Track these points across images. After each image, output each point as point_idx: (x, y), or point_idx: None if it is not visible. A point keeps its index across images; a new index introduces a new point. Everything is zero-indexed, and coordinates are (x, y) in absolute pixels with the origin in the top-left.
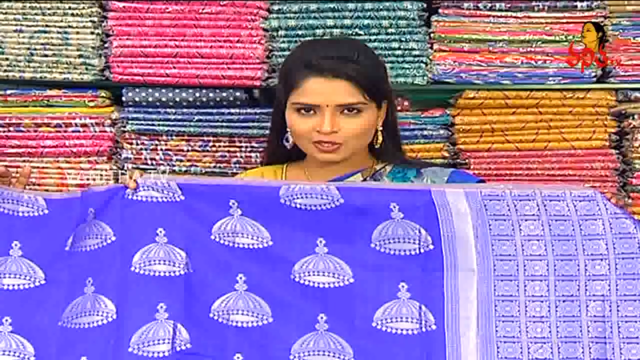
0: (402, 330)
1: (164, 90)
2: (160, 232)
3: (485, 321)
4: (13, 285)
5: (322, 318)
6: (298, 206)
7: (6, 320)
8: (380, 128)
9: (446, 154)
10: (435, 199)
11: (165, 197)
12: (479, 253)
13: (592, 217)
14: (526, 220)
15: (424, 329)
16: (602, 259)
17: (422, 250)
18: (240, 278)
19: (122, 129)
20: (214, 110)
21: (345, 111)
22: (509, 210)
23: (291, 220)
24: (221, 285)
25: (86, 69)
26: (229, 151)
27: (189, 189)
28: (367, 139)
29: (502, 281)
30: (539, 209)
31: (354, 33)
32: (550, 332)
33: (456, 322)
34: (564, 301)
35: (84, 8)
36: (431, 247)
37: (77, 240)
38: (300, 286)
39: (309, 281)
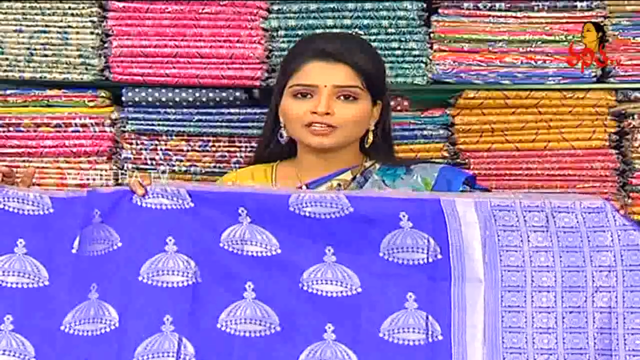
0: (408, 341)
1: (163, 90)
2: (170, 240)
3: (491, 332)
4: (16, 283)
5: (329, 328)
6: (307, 214)
7: (7, 319)
8: (372, 128)
9: (446, 154)
10: (444, 209)
11: (175, 205)
12: (486, 263)
13: (601, 228)
14: (535, 231)
15: (430, 340)
16: (609, 271)
17: (430, 260)
18: (249, 286)
19: (122, 129)
20: (214, 110)
21: (342, 97)
22: (517, 221)
23: (300, 229)
24: (230, 294)
25: (86, 69)
26: (228, 151)
27: (199, 196)
28: (359, 130)
29: (510, 292)
30: (547, 221)
31: (353, 33)
32: (556, 343)
33: (463, 333)
34: (570, 312)
35: (83, 8)
36: (439, 256)
37: (85, 244)
38: (308, 295)
39: (317, 290)
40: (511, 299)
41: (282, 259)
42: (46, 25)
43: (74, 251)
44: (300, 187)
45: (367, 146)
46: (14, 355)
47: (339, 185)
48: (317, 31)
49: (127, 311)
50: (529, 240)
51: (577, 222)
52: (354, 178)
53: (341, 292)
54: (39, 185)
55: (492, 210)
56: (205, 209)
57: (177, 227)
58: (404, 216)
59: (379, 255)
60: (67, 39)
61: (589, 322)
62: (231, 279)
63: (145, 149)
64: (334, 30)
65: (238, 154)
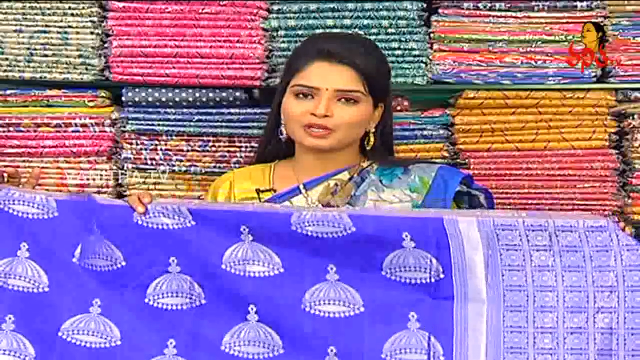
0: None
1: (163, 90)
2: (173, 261)
3: (493, 352)
4: (18, 286)
5: (332, 350)
6: (309, 233)
7: (9, 319)
8: (373, 130)
9: (446, 154)
10: (447, 228)
11: (176, 224)
12: (489, 283)
13: (604, 248)
14: (537, 250)
15: None
16: (611, 291)
17: (432, 280)
18: (252, 309)
19: (122, 129)
20: (214, 110)
21: (342, 99)
22: (520, 240)
23: (302, 247)
24: (233, 316)
25: (86, 69)
26: (228, 151)
27: (200, 214)
28: (357, 133)
29: (512, 312)
30: (550, 240)
31: (353, 33)
32: None
33: (464, 353)
34: (572, 333)
35: (83, 8)
36: (442, 276)
37: (86, 255)
38: (311, 316)
39: (320, 311)
40: (513, 319)
41: (285, 278)
42: (46, 25)
43: (74, 260)
44: (298, 187)
45: (368, 148)
46: (14, 355)
47: (336, 184)
48: (317, 31)
49: (131, 331)
50: (531, 260)
51: (580, 241)
52: (351, 178)
53: (343, 312)
54: (39, 185)
55: (494, 229)
56: (207, 227)
57: (179, 247)
58: (406, 236)
59: (382, 274)
60: (67, 39)
61: (590, 343)
62: (234, 301)
63: (145, 149)
64: (334, 30)
65: (238, 154)
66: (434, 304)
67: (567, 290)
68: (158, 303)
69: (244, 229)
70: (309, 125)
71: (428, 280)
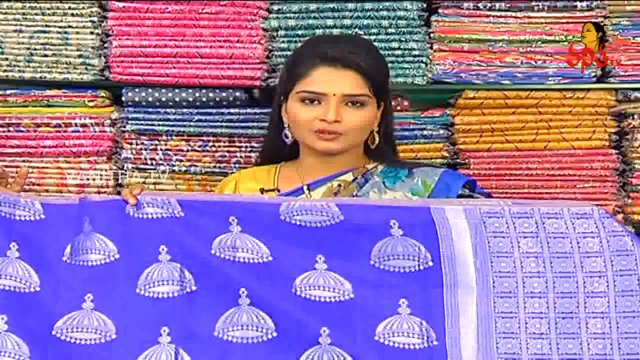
0: (405, 344)
1: (163, 90)
2: (163, 249)
3: (486, 338)
4: (9, 286)
5: (324, 332)
6: (298, 223)
7: (2, 319)
8: (377, 129)
9: (446, 154)
10: (434, 216)
11: (166, 213)
12: (478, 270)
13: (590, 234)
14: (525, 237)
15: (426, 344)
16: (600, 276)
17: (421, 267)
18: (243, 292)
19: (122, 129)
20: (214, 110)
21: (349, 103)
22: (507, 227)
23: (291, 237)
24: (225, 301)
25: (86, 69)
26: (228, 151)
27: (189, 205)
28: (364, 135)
29: (502, 298)
30: (537, 227)
31: (353, 33)
32: (550, 349)
33: (457, 339)
34: (563, 318)
35: (83, 8)
36: (430, 264)
37: (76, 253)
38: (302, 300)
39: (311, 295)
40: (504, 305)
41: (274, 265)
42: (46, 25)
43: (64, 259)
44: (302, 187)
45: (372, 147)
46: (9, 356)
47: (339, 185)
48: (317, 31)
49: (125, 323)
50: (519, 246)
51: (567, 227)
52: (354, 179)
53: (334, 297)
54: (39, 185)
55: (481, 216)
56: (196, 218)
57: (169, 235)
58: (394, 224)
59: (370, 263)
60: (67, 39)
61: (582, 328)
62: (225, 286)
63: (145, 149)
64: (334, 31)
65: (238, 154)
66: (423, 292)
67: (556, 276)
68: (149, 292)
69: (233, 220)
70: (320, 131)
71: (417, 269)
